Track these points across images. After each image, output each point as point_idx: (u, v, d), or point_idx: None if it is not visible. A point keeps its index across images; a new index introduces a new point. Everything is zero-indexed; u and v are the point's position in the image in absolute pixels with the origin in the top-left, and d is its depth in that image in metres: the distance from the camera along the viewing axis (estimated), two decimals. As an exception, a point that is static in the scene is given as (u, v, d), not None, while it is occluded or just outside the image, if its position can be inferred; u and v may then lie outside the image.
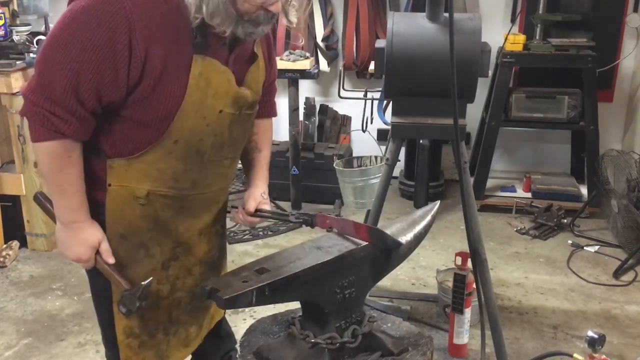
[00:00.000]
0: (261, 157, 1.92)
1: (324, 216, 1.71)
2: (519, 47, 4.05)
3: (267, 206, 1.85)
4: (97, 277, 1.72)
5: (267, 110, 1.94)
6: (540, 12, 4.16)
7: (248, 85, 1.67)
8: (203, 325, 1.90)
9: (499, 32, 4.36)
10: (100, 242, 1.60)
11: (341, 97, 4.04)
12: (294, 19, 1.61)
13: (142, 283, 1.58)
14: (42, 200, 1.68)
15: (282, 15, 1.58)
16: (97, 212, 1.62)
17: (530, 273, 3.54)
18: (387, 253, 1.61)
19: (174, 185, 1.62)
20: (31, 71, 3.51)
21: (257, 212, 1.83)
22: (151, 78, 1.47)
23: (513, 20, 4.38)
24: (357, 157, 4.46)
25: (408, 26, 2.46)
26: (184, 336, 1.83)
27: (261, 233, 3.97)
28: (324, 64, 4.58)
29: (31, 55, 3.46)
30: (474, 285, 2.54)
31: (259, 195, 1.85)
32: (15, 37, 3.75)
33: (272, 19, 1.54)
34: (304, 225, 1.76)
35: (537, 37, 4.15)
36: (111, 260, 1.61)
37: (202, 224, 1.75)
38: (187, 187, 1.64)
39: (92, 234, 1.59)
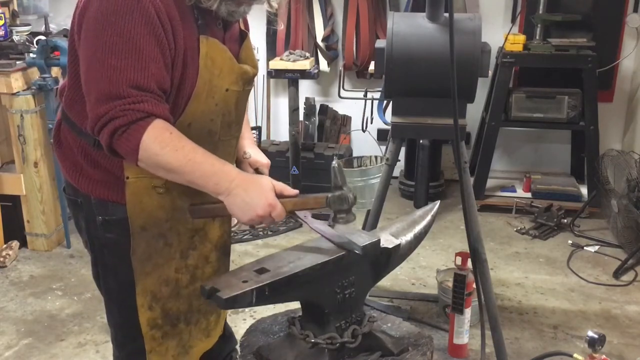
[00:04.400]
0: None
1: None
2: (519, 47, 4.05)
3: (263, 164, 1.87)
4: (107, 279, 1.73)
5: None
6: (540, 12, 4.16)
7: (244, 61, 1.71)
8: (221, 314, 1.91)
9: (499, 32, 4.36)
10: (273, 182, 1.50)
11: (341, 97, 4.04)
12: (274, 4, 1.65)
13: (333, 166, 1.46)
14: (199, 209, 1.58)
15: None
16: (116, 212, 1.62)
17: (530, 273, 3.54)
18: (387, 253, 1.60)
19: None
20: (31, 71, 3.52)
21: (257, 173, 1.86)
22: (179, 62, 1.49)
23: (513, 20, 4.38)
24: (357, 157, 4.47)
25: (408, 26, 2.47)
26: (204, 325, 1.84)
27: (261, 233, 3.97)
28: (324, 64, 4.58)
29: (31, 55, 3.46)
30: (474, 285, 2.54)
31: (240, 157, 1.87)
32: (15, 37, 3.75)
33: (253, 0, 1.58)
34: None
35: (537, 37, 4.15)
36: (294, 191, 1.52)
37: None
38: None
39: (261, 177, 1.52)
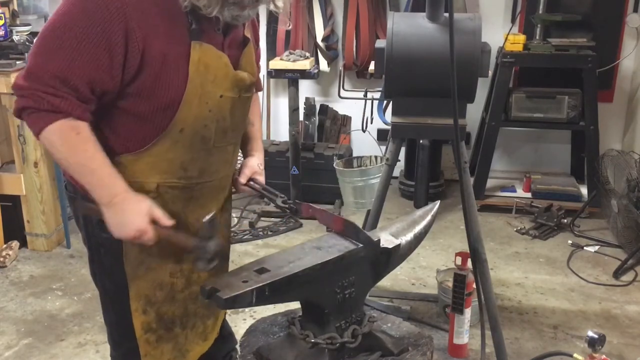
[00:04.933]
0: (254, 130, 1.94)
1: (309, 205, 1.72)
2: (519, 47, 4.05)
3: (261, 177, 1.87)
4: (103, 278, 1.73)
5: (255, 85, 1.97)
6: (540, 12, 4.16)
7: (244, 68, 1.70)
8: (219, 317, 1.91)
9: (499, 32, 4.36)
10: (151, 208, 1.54)
11: (341, 97, 4.04)
12: (280, 3, 1.64)
13: (204, 220, 1.54)
14: (85, 206, 1.62)
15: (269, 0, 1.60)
16: None
17: (530, 273, 3.54)
18: (387, 253, 1.60)
19: (183, 175, 1.63)
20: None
21: (250, 182, 1.85)
22: (152, 68, 1.49)
23: (513, 20, 4.38)
24: (357, 157, 4.46)
25: (408, 26, 2.46)
26: (201, 329, 1.84)
27: (261, 233, 3.97)
28: (324, 64, 4.58)
29: (31, 55, 3.46)
30: (474, 285, 2.54)
31: (255, 165, 1.87)
32: (15, 37, 3.75)
33: (257, 2, 1.56)
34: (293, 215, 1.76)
35: (537, 37, 4.15)
36: (170, 222, 1.56)
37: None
38: (195, 175, 1.65)
39: (140, 201, 1.54)
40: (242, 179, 1.84)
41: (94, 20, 1.43)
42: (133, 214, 1.52)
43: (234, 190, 1.90)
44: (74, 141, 1.48)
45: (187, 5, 1.48)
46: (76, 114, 1.47)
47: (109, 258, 1.69)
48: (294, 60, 4.02)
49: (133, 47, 1.46)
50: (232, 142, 1.75)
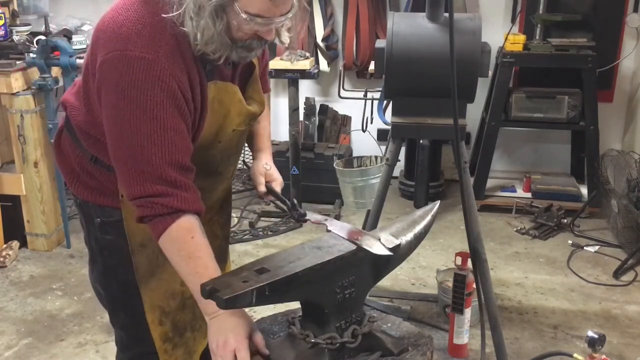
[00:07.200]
0: (260, 128, 1.94)
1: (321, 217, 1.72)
2: (519, 47, 4.05)
3: (276, 178, 1.87)
4: (111, 279, 1.75)
5: (263, 86, 1.98)
6: (540, 12, 4.16)
7: (251, 97, 1.71)
8: None
9: (499, 32, 4.36)
10: (253, 329, 1.50)
11: (341, 97, 4.04)
12: (286, 39, 1.63)
13: None
14: None
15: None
16: (114, 214, 1.64)
17: (530, 273, 3.54)
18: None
19: None
20: (31, 71, 3.52)
21: (267, 187, 1.85)
22: (194, 116, 1.51)
23: (513, 20, 4.38)
24: (357, 157, 4.47)
25: (408, 26, 2.47)
26: (205, 329, 1.85)
27: (261, 233, 3.97)
28: (324, 64, 4.57)
29: (31, 55, 3.46)
30: (474, 285, 2.54)
31: (261, 167, 1.88)
32: (15, 37, 3.75)
33: (264, 43, 1.56)
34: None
35: (537, 37, 4.15)
36: (266, 351, 1.49)
37: (206, 218, 1.78)
38: None
39: (245, 318, 1.51)
40: (261, 188, 1.84)
41: (159, 99, 1.41)
42: (235, 328, 1.48)
43: (237, 188, 1.92)
44: (190, 247, 1.47)
45: (199, 50, 1.47)
46: (190, 208, 1.47)
47: (112, 260, 1.71)
48: (294, 60, 4.01)
49: (189, 104, 1.48)
50: (233, 164, 1.79)
